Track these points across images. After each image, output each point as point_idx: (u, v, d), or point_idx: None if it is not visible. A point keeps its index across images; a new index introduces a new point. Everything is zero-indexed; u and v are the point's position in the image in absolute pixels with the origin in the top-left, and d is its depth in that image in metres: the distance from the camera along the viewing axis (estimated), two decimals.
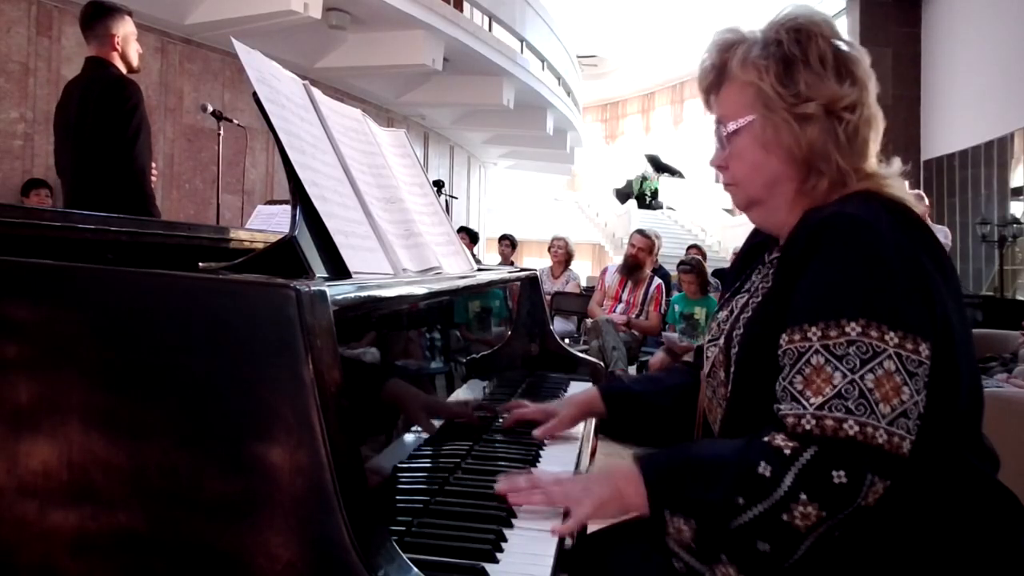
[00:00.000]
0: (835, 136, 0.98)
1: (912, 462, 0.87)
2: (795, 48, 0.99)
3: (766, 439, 0.85)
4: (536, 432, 1.28)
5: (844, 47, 1.01)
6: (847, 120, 0.98)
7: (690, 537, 0.86)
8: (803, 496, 0.80)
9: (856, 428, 0.81)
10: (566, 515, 0.95)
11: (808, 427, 0.83)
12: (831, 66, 0.98)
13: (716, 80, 1.07)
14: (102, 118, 2.83)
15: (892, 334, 0.84)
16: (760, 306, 1.01)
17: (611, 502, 0.94)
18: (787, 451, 0.83)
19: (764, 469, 0.83)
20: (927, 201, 5.91)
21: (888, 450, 0.81)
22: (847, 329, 0.84)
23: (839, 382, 0.83)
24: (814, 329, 0.86)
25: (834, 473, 0.80)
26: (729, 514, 0.83)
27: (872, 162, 1.02)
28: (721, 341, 1.07)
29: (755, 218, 1.10)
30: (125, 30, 3.01)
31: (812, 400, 0.84)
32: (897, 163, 1.04)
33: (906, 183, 1.03)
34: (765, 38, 1.02)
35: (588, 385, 1.86)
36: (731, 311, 1.11)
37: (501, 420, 1.38)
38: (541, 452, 1.26)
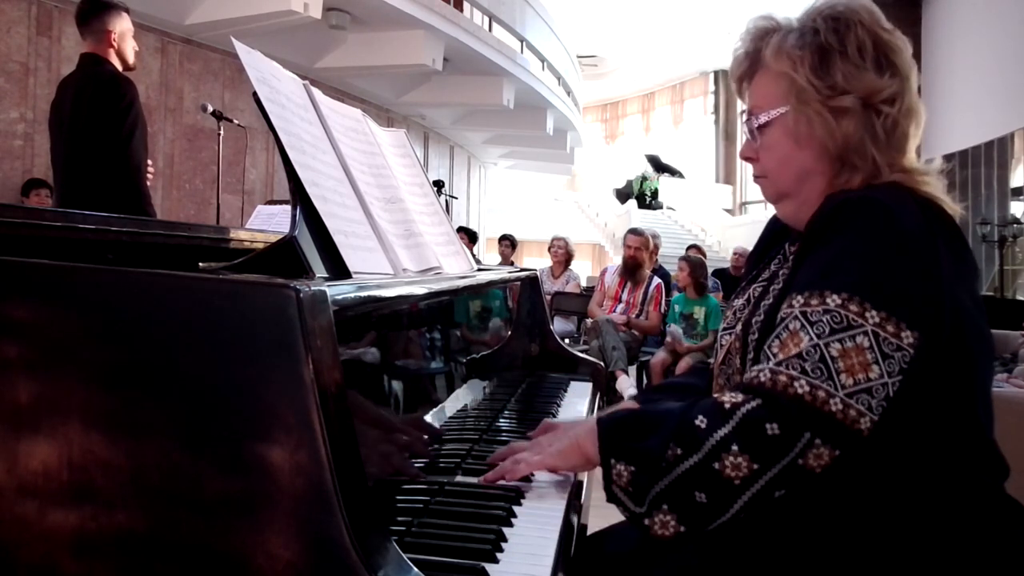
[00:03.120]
0: (872, 130, 0.95)
1: (917, 462, 0.87)
2: (832, 38, 0.95)
3: (715, 396, 0.87)
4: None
5: (885, 36, 0.97)
6: (886, 113, 0.95)
7: (627, 480, 0.88)
8: (734, 447, 0.81)
9: (806, 388, 0.81)
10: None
11: (762, 379, 0.84)
12: (870, 56, 0.95)
13: (749, 69, 1.04)
14: (96, 116, 2.82)
15: (874, 312, 0.83)
16: (780, 292, 0.99)
17: (571, 452, 0.99)
18: (728, 405, 0.83)
19: (701, 422, 0.84)
20: None
21: (840, 420, 0.80)
22: (827, 299, 0.84)
23: (804, 344, 0.83)
24: (799, 298, 0.87)
25: (768, 425, 0.80)
26: (664, 462, 0.84)
27: (912, 157, 0.99)
28: (738, 328, 1.05)
29: (784, 211, 1.07)
30: (122, 27, 2.99)
31: (777, 357, 0.85)
32: (938, 161, 1.01)
33: (945, 183, 0.99)
34: (802, 26, 0.98)
35: (589, 386, 1.86)
36: (748, 299, 1.09)
37: (501, 423, 1.37)
38: None
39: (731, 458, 0.81)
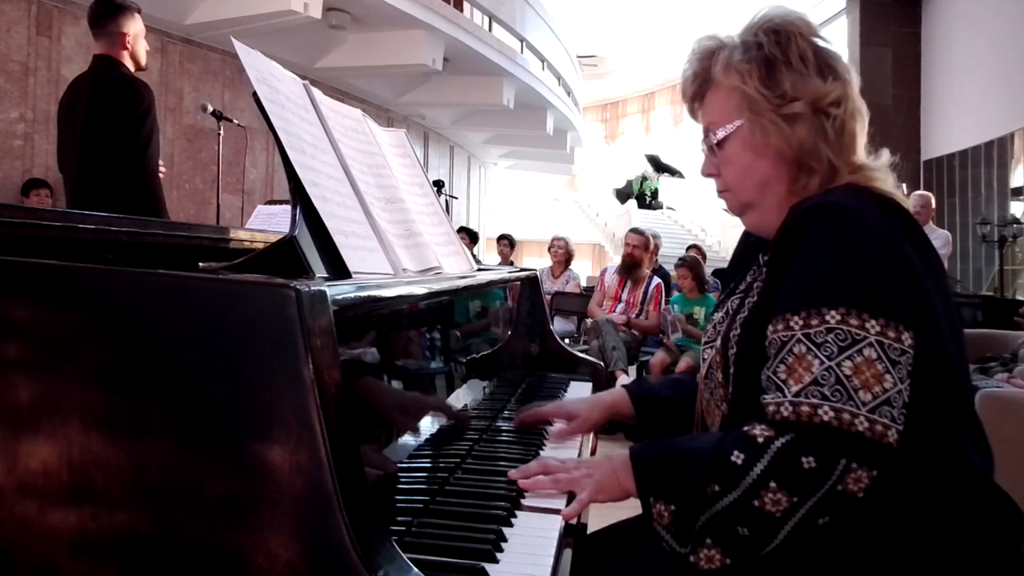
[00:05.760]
0: (823, 132, 0.98)
1: (908, 457, 0.87)
2: (776, 49, 0.99)
3: (745, 428, 0.87)
4: (553, 430, 1.23)
5: (822, 44, 1.02)
6: (834, 115, 0.99)
7: (669, 520, 0.89)
8: (772, 484, 0.81)
9: (832, 414, 0.81)
10: (570, 498, 0.99)
11: (785, 414, 0.84)
12: (812, 64, 0.99)
13: (700, 88, 1.08)
14: (113, 121, 2.81)
15: (873, 322, 0.84)
16: (756, 305, 1.01)
17: (611, 487, 0.98)
18: (761, 439, 0.84)
19: (737, 457, 0.85)
20: (933, 203, 5.89)
21: (870, 438, 0.80)
22: (827, 317, 0.85)
23: (816, 369, 0.83)
24: (796, 319, 0.87)
25: (803, 459, 0.81)
26: (705, 500, 0.85)
27: (861, 154, 1.02)
28: (718, 343, 1.06)
29: (749, 222, 1.10)
30: (135, 28, 2.99)
31: (792, 388, 0.85)
32: (885, 155, 1.04)
33: (894, 176, 1.03)
34: (745, 42, 1.02)
35: (589, 386, 1.86)
36: (726, 312, 1.10)
37: (501, 423, 1.37)
38: (541, 452, 1.26)
39: (770, 495, 0.82)
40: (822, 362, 0.83)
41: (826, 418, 0.81)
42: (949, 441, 0.90)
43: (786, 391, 0.85)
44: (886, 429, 0.81)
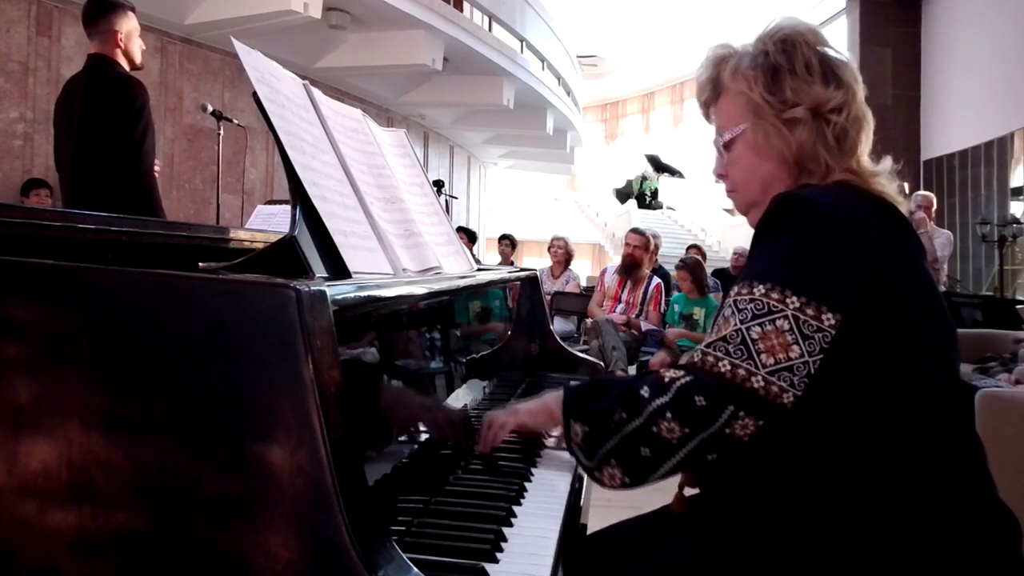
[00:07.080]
0: (823, 137, 1.04)
1: (886, 440, 0.91)
2: (781, 57, 1.05)
3: (661, 371, 0.96)
4: (549, 442, 1.30)
5: (831, 53, 1.07)
6: (834, 122, 1.03)
7: (580, 439, 0.99)
8: (668, 414, 0.91)
9: (728, 367, 0.90)
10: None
11: (695, 360, 0.94)
12: (817, 72, 1.04)
13: (713, 93, 1.14)
14: (108, 119, 2.80)
15: (794, 298, 0.90)
16: None
17: (539, 411, 1.16)
18: (667, 379, 0.94)
19: (644, 391, 0.94)
20: (935, 203, 5.89)
21: (763, 396, 0.88)
22: (754, 289, 0.93)
23: (728, 329, 0.92)
24: (734, 289, 0.96)
25: (696, 397, 0.90)
26: (612, 423, 0.95)
27: (864, 160, 1.07)
28: None
29: (753, 220, 1.12)
30: (128, 26, 2.99)
31: (707, 341, 0.95)
32: (888, 161, 1.08)
33: (897, 182, 1.07)
34: (754, 51, 1.08)
35: None
36: None
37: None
38: (541, 452, 1.26)
39: (665, 423, 0.90)
40: (735, 324, 0.92)
41: (723, 370, 0.90)
42: (914, 422, 0.92)
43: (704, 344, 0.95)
44: (782, 392, 0.88)
